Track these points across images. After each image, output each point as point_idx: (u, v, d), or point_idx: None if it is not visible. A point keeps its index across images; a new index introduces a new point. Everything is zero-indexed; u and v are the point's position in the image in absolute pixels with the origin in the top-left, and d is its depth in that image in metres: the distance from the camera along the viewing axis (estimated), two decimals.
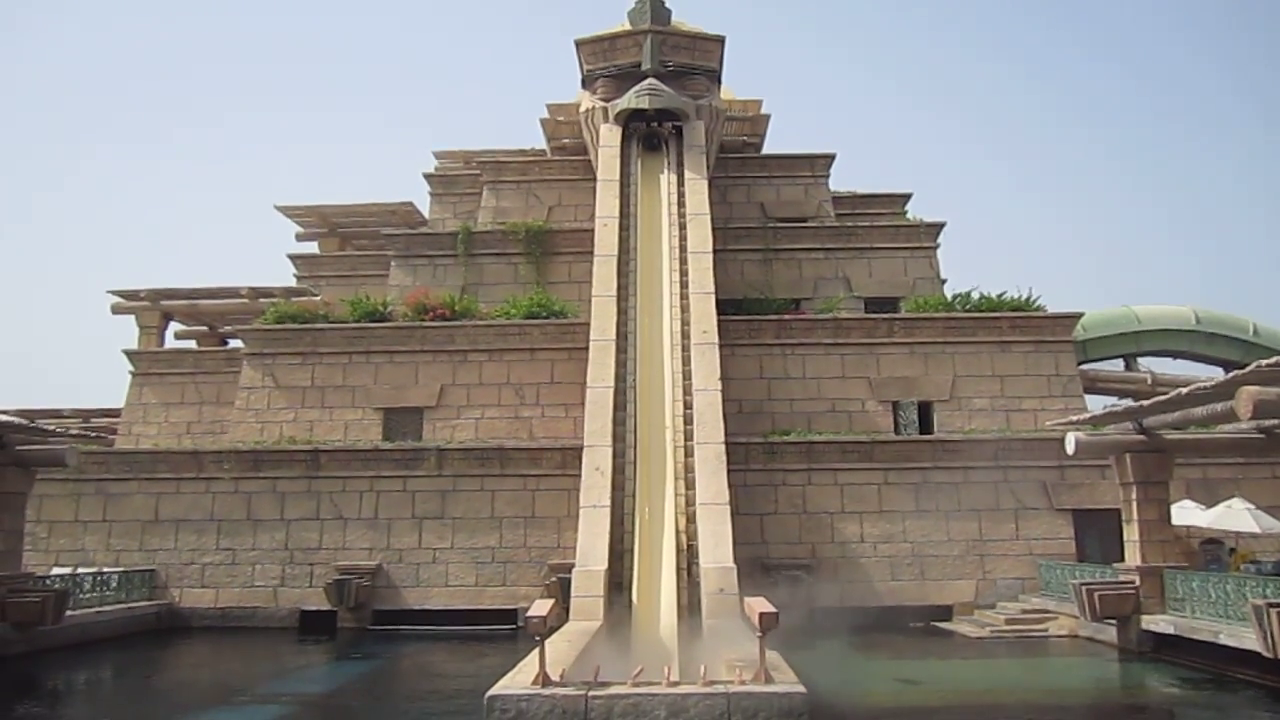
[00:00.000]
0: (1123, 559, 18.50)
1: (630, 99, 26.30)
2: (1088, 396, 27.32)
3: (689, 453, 19.37)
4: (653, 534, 17.77)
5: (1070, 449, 18.63)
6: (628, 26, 28.26)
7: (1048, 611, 20.30)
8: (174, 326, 33.45)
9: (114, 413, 32.63)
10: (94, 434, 24.98)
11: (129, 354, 30.51)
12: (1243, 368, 14.10)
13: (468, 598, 22.17)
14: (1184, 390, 15.50)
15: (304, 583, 22.43)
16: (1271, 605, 13.18)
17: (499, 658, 15.54)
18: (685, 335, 21.72)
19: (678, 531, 17.82)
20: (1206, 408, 15.64)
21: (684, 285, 22.86)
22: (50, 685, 16.05)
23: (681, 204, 24.91)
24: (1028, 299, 25.98)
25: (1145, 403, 17.29)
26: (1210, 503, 20.74)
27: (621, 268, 23.43)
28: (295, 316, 26.26)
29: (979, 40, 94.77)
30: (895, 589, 22.10)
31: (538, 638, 10.61)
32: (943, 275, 28.42)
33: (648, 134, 27.35)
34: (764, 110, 32.69)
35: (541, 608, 11.12)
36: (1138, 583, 17.37)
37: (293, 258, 33.83)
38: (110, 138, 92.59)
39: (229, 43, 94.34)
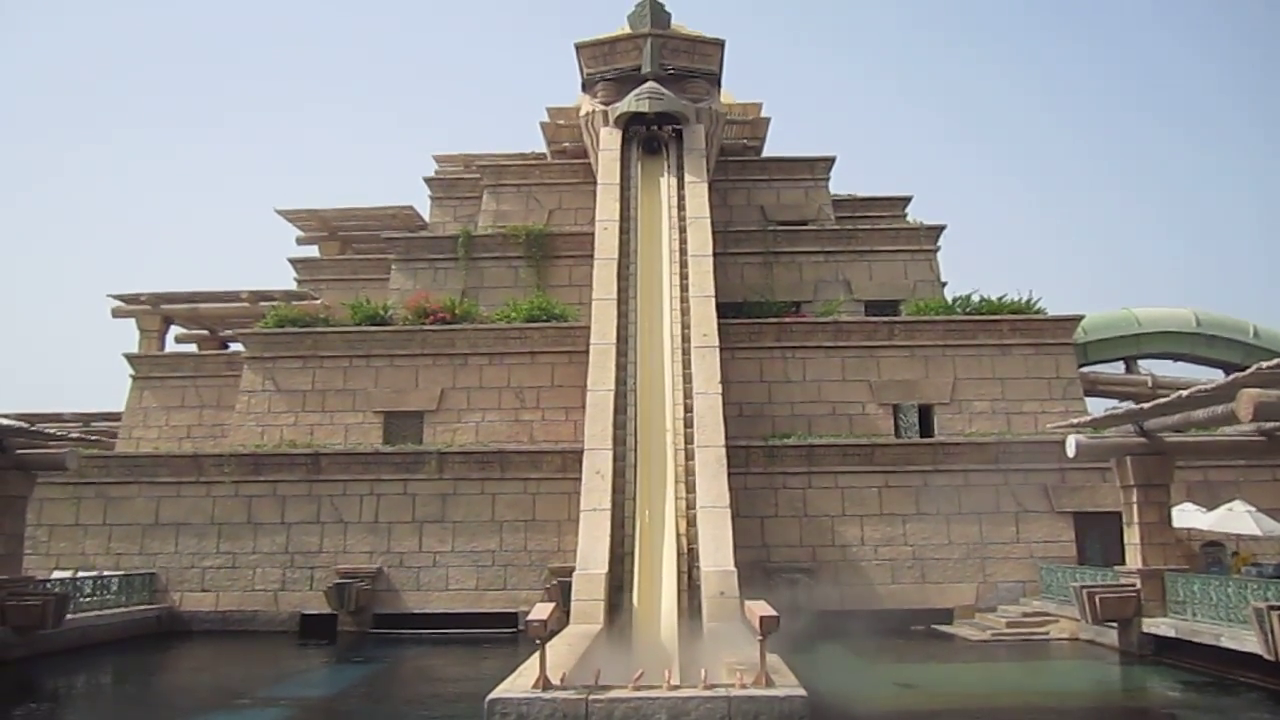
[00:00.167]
0: (1123, 562, 18.48)
1: (630, 102, 26.32)
2: (1088, 399, 27.32)
3: (689, 456, 19.36)
4: (653, 537, 17.76)
5: (1071, 452, 18.62)
6: (628, 30, 28.28)
7: (1048, 614, 20.28)
8: (174, 330, 33.53)
9: (114, 416, 32.67)
10: (94, 438, 25.04)
11: (129, 358, 30.54)
12: (1243, 370, 14.08)
13: (468, 601, 22.16)
14: (1184, 393, 15.50)
15: (304, 586, 22.43)
16: (1272, 608, 13.17)
17: (499, 661, 15.53)
18: (685, 338, 21.72)
19: (678, 535, 17.82)
20: (1207, 410, 15.63)
21: (684, 288, 22.87)
22: (50, 689, 16.04)
23: (681, 207, 24.92)
24: (1028, 302, 25.98)
25: (1146, 405, 17.28)
26: (1211, 505, 20.73)
27: (622, 271, 23.43)
28: (296, 320, 26.29)
29: (979, 44, 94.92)
30: (896, 592, 22.09)
31: (538, 641, 10.61)
32: (943, 278, 28.42)
33: (648, 137, 27.35)
34: (764, 113, 32.70)
35: (542, 611, 11.11)
36: (1139, 586, 17.36)
37: (293, 261, 33.87)
38: (111, 140, 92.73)
39: (230, 44, 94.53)
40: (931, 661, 18.21)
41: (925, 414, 24.89)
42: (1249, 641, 13.89)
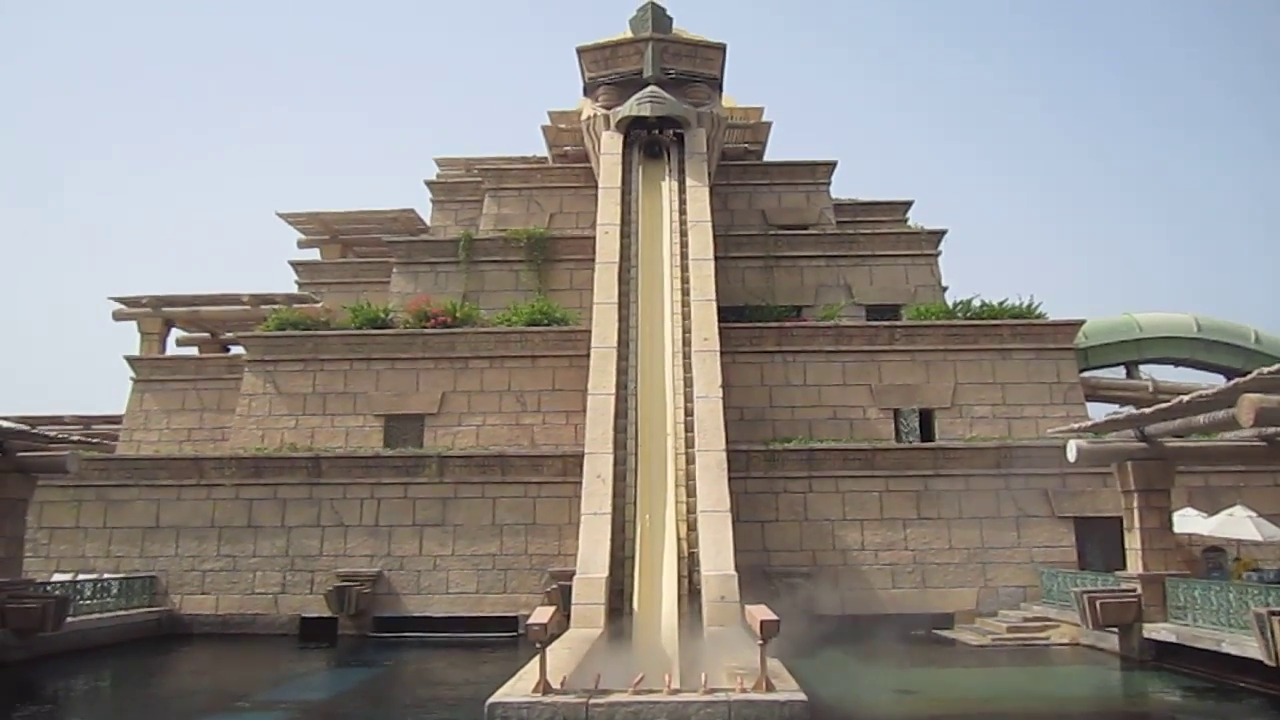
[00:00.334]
0: (1124, 567, 18.46)
1: (632, 106, 26.35)
2: (1089, 404, 27.34)
3: (690, 460, 19.38)
4: (654, 541, 17.76)
5: (1072, 457, 18.60)
6: (629, 34, 28.32)
7: (1049, 619, 20.25)
8: (175, 333, 33.52)
9: (115, 419, 32.67)
10: (95, 440, 25.08)
11: (130, 360, 30.55)
12: (1244, 375, 14.08)
13: (468, 605, 22.14)
14: (1186, 398, 15.49)
15: (305, 589, 22.41)
16: (1273, 613, 13.15)
17: (499, 665, 15.51)
18: (686, 342, 21.75)
19: (679, 539, 17.83)
20: (1208, 415, 15.61)
21: (685, 292, 22.90)
22: (50, 692, 16.03)
23: (683, 211, 24.95)
24: (1029, 306, 25.96)
25: (1147, 410, 17.27)
26: (1212, 510, 20.71)
27: (623, 275, 23.46)
28: (297, 323, 26.30)
29: (981, 49, 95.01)
30: (896, 597, 22.06)
31: (538, 645, 10.62)
32: (944, 283, 28.43)
33: (649, 141, 27.41)
34: (765, 118, 32.76)
35: (542, 615, 11.12)
36: (1139, 591, 17.34)
37: (294, 264, 33.88)
38: (113, 142, 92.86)
39: (231, 46, 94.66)
40: (932, 666, 18.18)
41: (926, 418, 24.88)
42: (1250, 647, 13.87)
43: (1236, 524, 19.45)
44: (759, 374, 25.00)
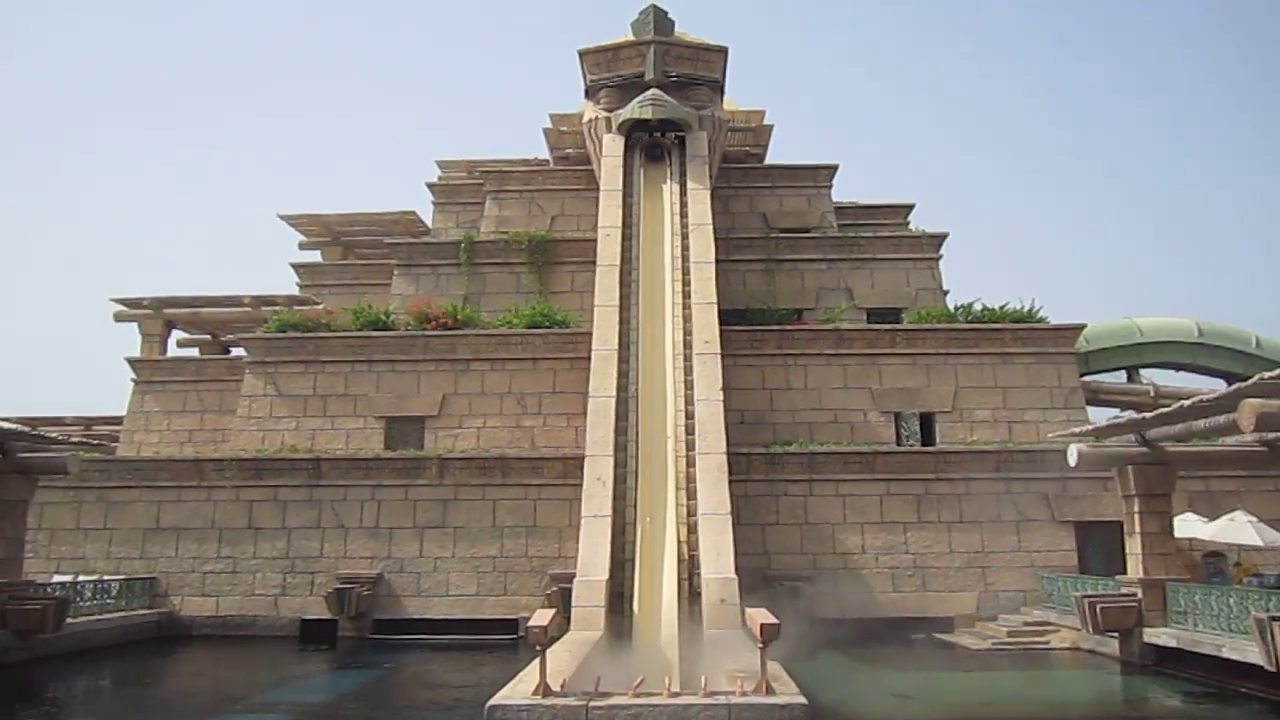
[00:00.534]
0: (1125, 571, 18.45)
1: (633, 109, 26.37)
2: (1090, 408, 27.32)
3: (691, 463, 19.39)
4: (654, 544, 17.75)
5: (1072, 461, 18.61)
6: (631, 37, 28.36)
7: (1049, 624, 20.24)
8: (176, 334, 33.55)
9: (116, 420, 32.67)
10: (96, 441, 25.09)
11: (131, 362, 30.56)
12: (1245, 380, 14.08)
13: (469, 607, 22.13)
14: (1186, 402, 15.48)
15: (305, 591, 22.41)
16: (1274, 619, 13.15)
17: (499, 667, 15.52)
18: (687, 345, 21.75)
19: (679, 542, 17.82)
20: (1209, 420, 15.61)
21: (686, 295, 22.91)
22: (50, 693, 16.01)
23: (684, 214, 24.96)
24: (1030, 310, 25.95)
25: (1148, 415, 17.27)
26: (1213, 515, 20.71)
27: (624, 277, 23.47)
28: (298, 325, 26.31)
29: (983, 53, 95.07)
30: (897, 600, 22.05)
31: (538, 647, 10.62)
32: (945, 286, 28.43)
33: (650, 144, 27.42)
34: (767, 121, 32.78)
35: (542, 617, 11.12)
36: (1140, 595, 17.33)
37: (295, 266, 33.87)
38: (114, 143, 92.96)
39: (233, 48, 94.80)
40: (932, 670, 18.16)
41: (927, 422, 24.88)
42: (1250, 652, 13.86)
43: (1237, 529, 19.45)
44: (760, 377, 25.00)
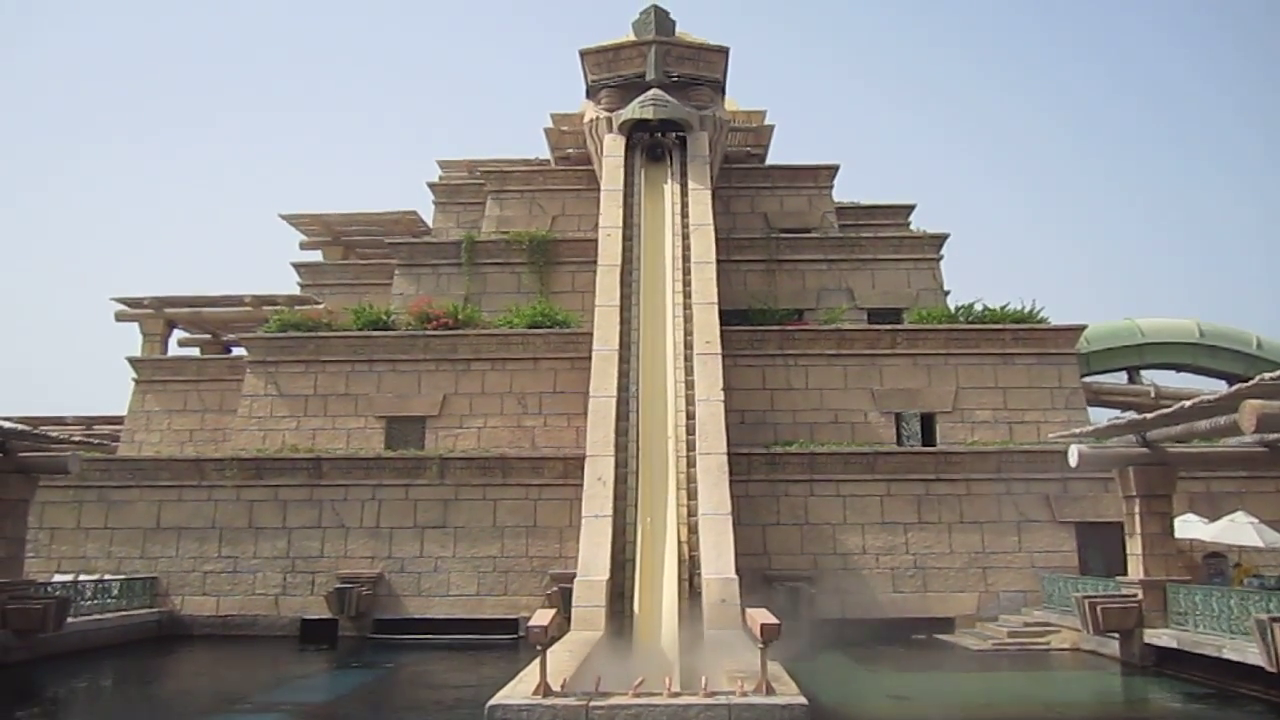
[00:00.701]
0: (1125, 572, 18.44)
1: (634, 109, 26.37)
2: (1091, 409, 27.29)
3: (691, 463, 19.39)
4: (654, 544, 17.76)
5: (1073, 461, 18.60)
6: (632, 37, 28.37)
7: (1050, 624, 20.23)
8: (177, 334, 33.58)
9: (117, 420, 32.70)
10: (97, 441, 25.11)
11: (132, 361, 30.58)
12: (1246, 381, 14.07)
13: (469, 607, 22.13)
14: (1187, 403, 15.47)
15: (305, 591, 22.41)
16: (1275, 620, 13.13)
17: (500, 667, 15.53)
18: (688, 345, 21.75)
19: (679, 542, 17.82)
20: (1210, 421, 15.61)
21: (687, 295, 22.90)
22: (51, 692, 16.03)
23: (685, 214, 24.96)
24: (1031, 311, 25.94)
25: (1148, 416, 17.26)
26: (1213, 516, 20.70)
27: (625, 278, 23.47)
28: (298, 325, 26.31)
29: (983, 54, 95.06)
30: (897, 601, 22.04)
31: (539, 647, 10.61)
32: (946, 287, 28.42)
33: (651, 144, 27.42)
34: (768, 121, 32.76)
35: (543, 617, 11.12)
36: (1140, 596, 17.32)
37: (296, 266, 33.90)
38: (114, 141, 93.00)
39: (234, 47, 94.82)
40: (932, 671, 18.16)
41: (927, 423, 24.86)
42: (1251, 653, 13.85)
43: (1238, 530, 19.44)
44: (760, 377, 24.99)
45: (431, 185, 33.10)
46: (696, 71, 28.05)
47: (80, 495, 23.17)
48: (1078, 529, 22.55)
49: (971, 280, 69.70)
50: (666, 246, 24.29)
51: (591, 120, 27.93)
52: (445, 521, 22.79)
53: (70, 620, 18.45)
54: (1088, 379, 30.07)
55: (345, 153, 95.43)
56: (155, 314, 31.59)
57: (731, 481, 18.99)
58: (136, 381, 30.25)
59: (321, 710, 14.87)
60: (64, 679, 16.81)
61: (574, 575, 17.44)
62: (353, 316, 26.42)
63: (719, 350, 21.45)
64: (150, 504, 23.25)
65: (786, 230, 29.26)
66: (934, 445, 24.21)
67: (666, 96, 26.56)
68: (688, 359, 21.44)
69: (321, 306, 30.03)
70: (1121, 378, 33.64)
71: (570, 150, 30.98)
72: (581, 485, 19.06)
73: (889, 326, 25.82)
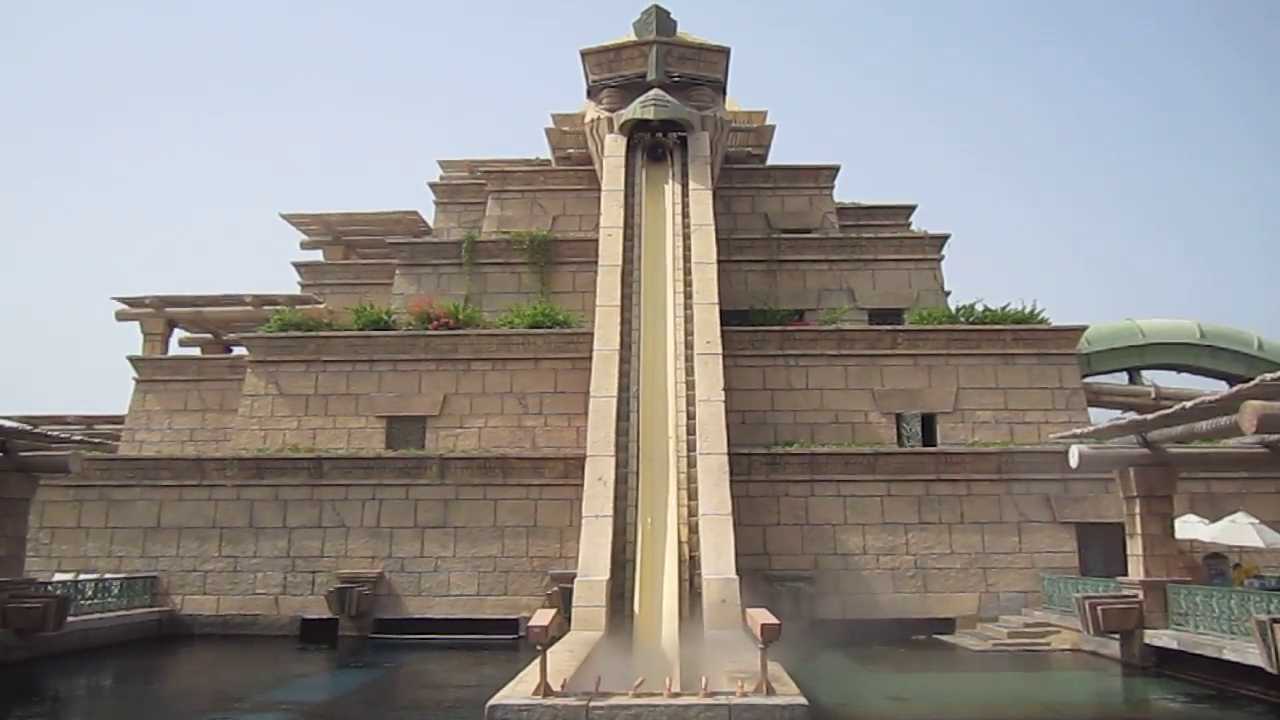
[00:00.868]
0: (1126, 573, 18.43)
1: (635, 109, 26.36)
2: (1091, 410, 27.27)
3: (692, 463, 19.38)
4: (655, 544, 17.76)
5: (1074, 462, 18.58)
6: (633, 38, 28.37)
7: (1050, 625, 20.22)
8: (178, 333, 33.58)
9: (117, 419, 32.72)
10: (97, 440, 25.13)
11: (133, 361, 30.59)
12: (1247, 382, 14.07)
13: (469, 607, 22.13)
14: (1188, 404, 15.47)
15: (306, 590, 22.41)
16: (1275, 621, 13.12)
17: (500, 667, 15.51)
18: (689, 345, 21.74)
19: (680, 542, 17.82)
20: (1211, 422, 15.60)
21: (688, 295, 22.90)
22: (51, 691, 16.03)
23: (686, 214, 24.95)
24: (1031, 312, 25.92)
25: (1149, 416, 17.26)
26: (1214, 517, 20.69)
27: (625, 278, 23.46)
28: (299, 324, 26.31)
29: (985, 55, 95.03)
30: (897, 601, 22.03)
31: (539, 647, 10.61)
32: (947, 287, 28.41)
33: (652, 144, 27.41)
34: (769, 121, 32.75)
35: (543, 617, 11.11)
36: (1141, 597, 17.31)
37: (297, 265, 33.91)
38: (115, 142, 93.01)
39: (235, 46, 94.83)
40: (933, 671, 18.17)
41: (928, 423, 24.84)
42: (1251, 654, 13.84)
43: (1238, 530, 19.43)
44: (761, 377, 24.98)
45: (432, 185, 33.11)
46: (697, 72, 28.05)
47: (81, 494, 23.17)
48: (1078, 529, 22.54)
49: (972, 281, 69.76)
50: (667, 246, 24.29)
51: (592, 120, 27.93)
52: (446, 521, 22.79)
53: (70, 619, 18.45)
54: (1088, 379, 30.05)
55: (345, 153, 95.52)
56: (156, 313, 31.60)
57: (732, 482, 18.98)
58: (137, 381, 30.26)
59: (322, 710, 14.87)
60: (64, 678, 16.81)
61: (574, 575, 17.43)
62: (353, 316, 26.42)
63: (720, 350, 21.45)
64: (151, 503, 23.25)
65: (787, 230, 29.25)
66: (935, 446, 24.20)
67: (667, 97, 26.56)
68: (688, 359, 21.44)
69: (322, 306, 30.05)
70: (1122, 378, 33.62)
71: (571, 150, 30.99)
72: (582, 485, 19.05)
73: (890, 327, 25.81)
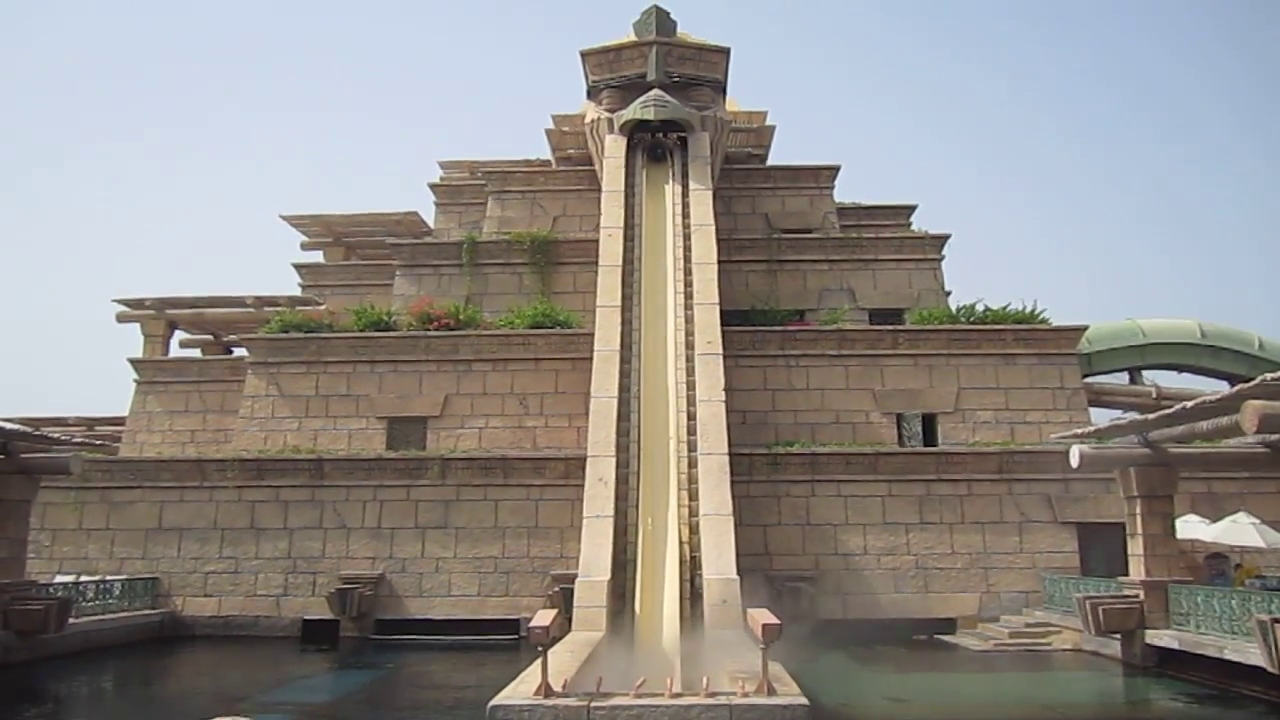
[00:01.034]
0: (1127, 573, 18.43)
1: (635, 110, 26.37)
2: (1092, 410, 27.26)
3: (692, 464, 19.40)
4: (656, 545, 17.77)
5: (1075, 462, 18.57)
6: (633, 38, 28.37)
7: (1051, 625, 20.22)
8: (179, 335, 33.54)
9: (118, 421, 32.70)
10: (98, 442, 25.10)
11: (134, 362, 30.57)
12: (1248, 382, 14.06)
13: (470, 607, 22.14)
14: (1189, 404, 15.46)
15: (307, 592, 22.42)
16: (1276, 621, 13.12)
17: (501, 668, 15.51)
18: (689, 346, 21.75)
19: (681, 542, 17.83)
20: (1212, 422, 15.59)
21: (688, 296, 22.91)
22: (52, 693, 16.03)
23: (686, 215, 24.96)
24: (1032, 312, 25.92)
25: (1150, 416, 17.26)
26: (1215, 517, 20.67)
27: (626, 278, 23.47)
28: (300, 325, 26.32)
29: (985, 56, 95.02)
30: (898, 601, 22.03)
31: (540, 648, 10.61)
32: (947, 287, 28.41)
33: (652, 145, 27.42)
34: (769, 122, 32.77)
35: (544, 618, 11.12)
36: (1142, 597, 17.31)
37: (298, 267, 33.91)
38: (116, 143, 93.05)
39: (235, 48, 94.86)
40: (934, 671, 18.16)
41: (929, 423, 24.83)
42: (1252, 654, 13.83)
43: (1239, 530, 19.42)
44: (762, 378, 24.98)
45: (433, 186, 33.12)
46: (697, 72, 28.05)
47: (82, 496, 23.18)
48: (1079, 529, 22.53)
49: (972, 281, 69.83)
50: (668, 247, 24.30)
51: (593, 121, 27.94)
52: (447, 522, 22.80)
53: (72, 621, 18.46)
54: (1089, 379, 30.03)
55: (345, 153, 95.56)
56: (157, 315, 31.60)
57: (733, 482, 18.99)
58: (138, 383, 30.26)
59: (323, 710, 14.87)
60: (66, 679, 16.82)
61: (575, 576, 17.44)
62: (354, 317, 26.43)
63: (720, 350, 21.46)
64: (152, 505, 23.26)
65: (788, 230, 29.26)
66: (935, 446, 24.19)
67: (667, 97, 26.56)
68: (689, 359, 21.44)
69: (323, 307, 30.04)
70: (1123, 378, 33.58)
71: (571, 151, 31.00)
72: (583, 486, 19.06)
73: (890, 327, 25.81)
